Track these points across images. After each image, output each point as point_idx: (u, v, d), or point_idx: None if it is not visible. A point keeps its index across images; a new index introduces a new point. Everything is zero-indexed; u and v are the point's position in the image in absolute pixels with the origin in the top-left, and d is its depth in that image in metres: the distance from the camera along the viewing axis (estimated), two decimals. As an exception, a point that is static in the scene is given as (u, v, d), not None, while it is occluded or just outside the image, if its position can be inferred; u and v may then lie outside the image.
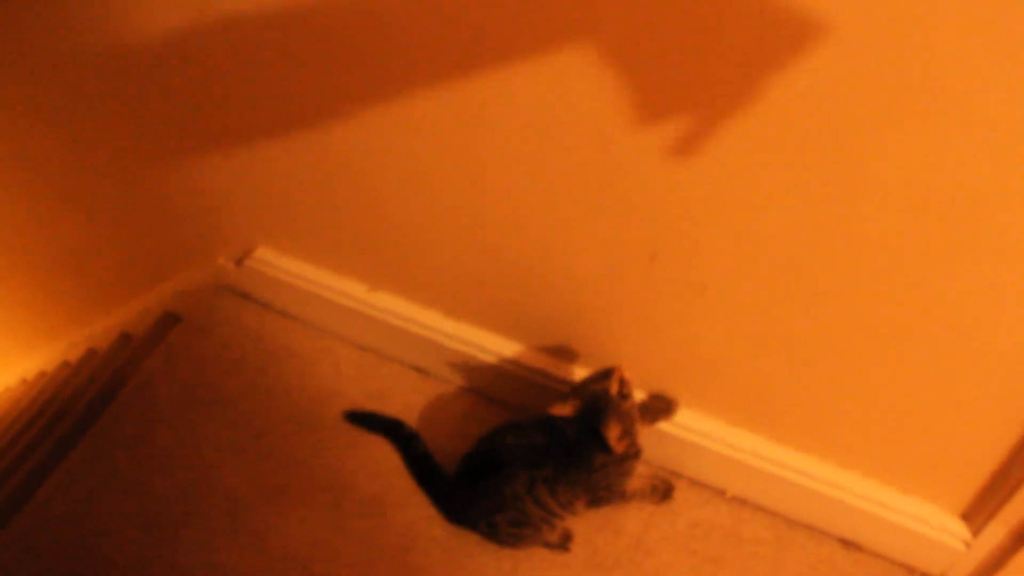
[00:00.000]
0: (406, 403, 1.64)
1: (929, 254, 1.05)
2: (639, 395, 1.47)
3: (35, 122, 1.81)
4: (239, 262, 1.73)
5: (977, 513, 1.36)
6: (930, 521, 1.38)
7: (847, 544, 1.49)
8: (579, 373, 1.51)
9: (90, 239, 2.16)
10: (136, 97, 1.53)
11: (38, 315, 2.95)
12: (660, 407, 1.46)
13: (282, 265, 1.67)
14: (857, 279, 1.12)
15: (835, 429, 1.38)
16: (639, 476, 1.47)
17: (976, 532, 1.36)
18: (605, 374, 1.34)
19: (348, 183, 1.44)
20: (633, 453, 1.35)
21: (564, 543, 1.46)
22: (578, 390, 1.34)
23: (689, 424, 1.47)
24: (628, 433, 1.31)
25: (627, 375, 1.33)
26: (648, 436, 1.41)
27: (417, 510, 1.50)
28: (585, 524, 1.48)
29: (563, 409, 1.33)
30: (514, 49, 1.08)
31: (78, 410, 1.87)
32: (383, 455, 1.57)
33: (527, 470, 1.36)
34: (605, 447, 1.29)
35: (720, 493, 1.54)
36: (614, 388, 1.32)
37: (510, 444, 1.43)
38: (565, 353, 1.51)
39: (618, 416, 1.29)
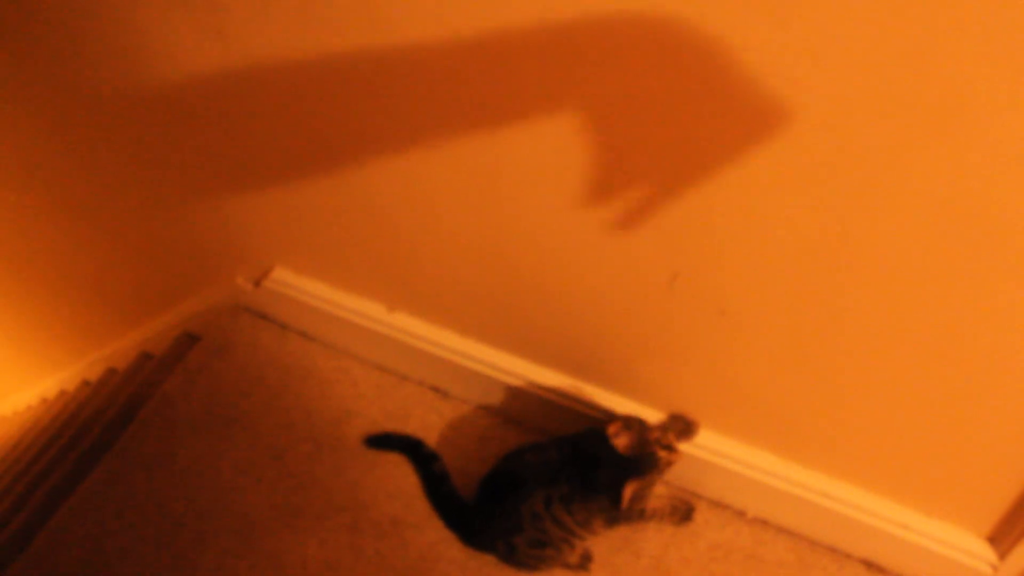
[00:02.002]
0: (424, 424, 1.64)
1: (953, 274, 1.04)
2: (660, 416, 1.47)
3: (58, 146, 1.83)
4: (257, 283, 1.73)
5: (1004, 536, 1.34)
6: (956, 544, 1.37)
7: (870, 566, 1.47)
8: (597, 394, 1.51)
9: (110, 259, 2.17)
10: (158, 124, 1.54)
11: (59, 335, 2.97)
12: (680, 428, 1.45)
13: (300, 286, 1.68)
14: (879, 300, 1.11)
15: (858, 450, 1.36)
16: (659, 496, 1.46)
17: (1003, 555, 1.34)
18: (666, 426, 1.37)
19: (365, 205, 1.44)
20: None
21: (584, 563, 1.45)
22: (638, 429, 1.33)
23: (709, 445, 1.46)
24: (640, 498, 1.33)
25: (696, 424, 1.40)
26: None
27: (435, 532, 1.49)
28: (605, 545, 1.47)
29: (620, 440, 1.31)
30: (526, 81, 1.09)
31: (97, 430, 1.87)
32: (402, 476, 1.56)
33: (544, 488, 1.36)
34: (615, 496, 1.30)
35: (741, 514, 1.53)
36: (663, 454, 1.31)
37: (528, 462, 1.43)
38: (584, 374, 1.51)
39: (649, 480, 1.31)
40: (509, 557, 1.44)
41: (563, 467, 1.36)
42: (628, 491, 1.29)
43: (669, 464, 1.31)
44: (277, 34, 1.23)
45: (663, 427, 1.39)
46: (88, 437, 1.89)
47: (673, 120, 1.04)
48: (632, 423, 1.32)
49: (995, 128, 0.88)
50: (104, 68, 1.47)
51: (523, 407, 1.58)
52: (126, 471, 1.59)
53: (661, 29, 0.95)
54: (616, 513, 1.37)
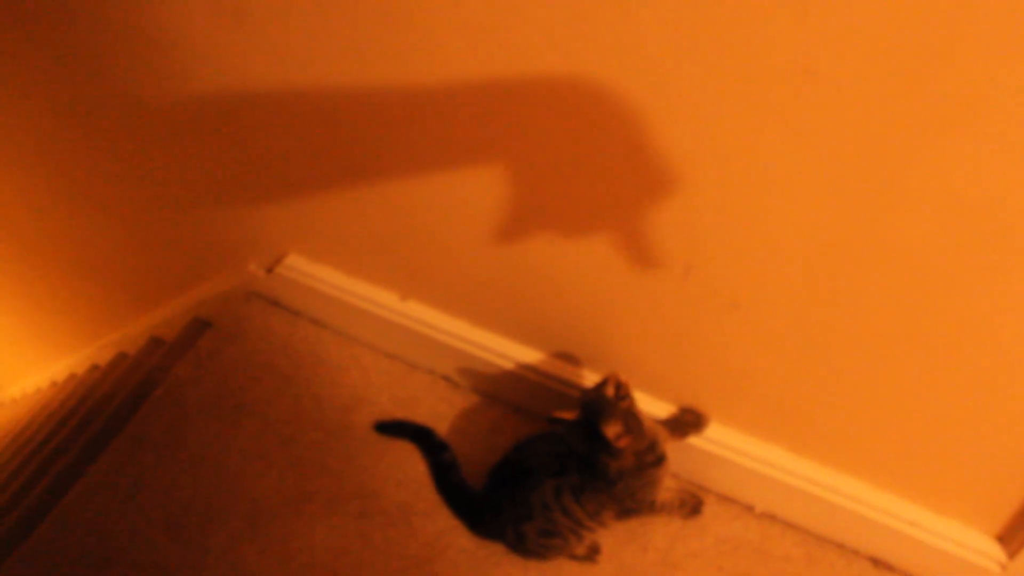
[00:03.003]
0: (434, 413, 1.64)
1: (970, 270, 1.03)
2: (670, 409, 1.46)
3: (80, 139, 1.83)
4: (270, 269, 1.73)
5: (1013, 535, 1.33)
6: (965, 542, 1.36)
7: (878, 563, 1.47)
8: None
9: (123, 244, 2.18)
10: (179, 119, 1.54)
11: (69, 318, 2.98)
12: (690, 421, 1.44)
13: (313, 273, 1.68)
14: (893, 294, 1.11)
15: (868, 446, 1.36)
16: (668, 489, 1.46)
17: (1012, 555, 1.34)
18: (603, 383, 1.32)
19: (379, 193, 1.44)
20: (653, 461, 1.33)
21: (591, 555, 1.46)
22: (579, 400, 1.33)
23: (719, 439, 1.46)
24: (630, 430, 1.27)
25: (623, 378, 1.31)
26: (677, 450, 1.40)
27: (444, 520, 1.50)
28: (612, 538, 1.47)
29: (565, 413, 1.31)
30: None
31: (107, 414, 1.88)
32: (411, 464, 1.56)
33: (554, 478, 1.36)
34: (609, 448, 1.27)
35: (749, 509, 1.53)
36: (610, 391, 1.29)
37: (539, 451, 1.43)
38: (596, 365, 1.51)
39: (616, 414, 1.27)
40: (518, 545, 1.44)
41: (573, 457, 1.36)
42: (611, 431, 1.25)
43: (623, 398, 1.29)
44: (299, 41, 1.24)
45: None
46: (98, 420, 1.90)
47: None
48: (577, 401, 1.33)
49: (1016, 123, 0.87)
50: (135, 74, 1.48)
51: (533, 397, 1.59)
52: (136, 455, 1.59)
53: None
54: (626, 505, 1.37)
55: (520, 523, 1.39)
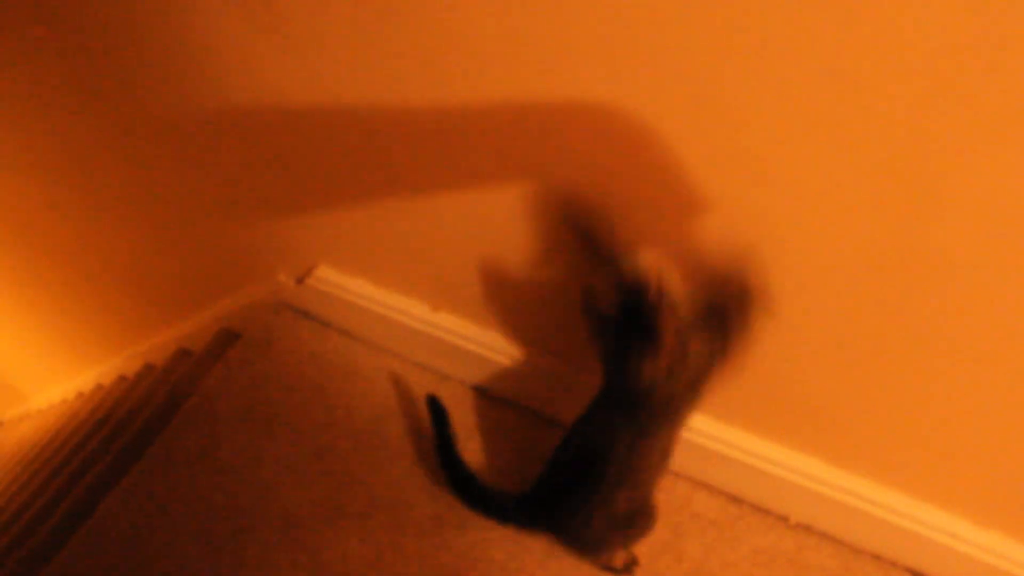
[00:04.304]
0: (464, 423, 1.64)
1: (1014, 279, 1.02)
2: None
3: (112, 147, 1.85)
4: (300, 280, 1.74)
5: (1055, 547, 1.32)
6: (1005, 554, 1.34)
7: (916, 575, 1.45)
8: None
9: (150, 253, 2.19)
10: (212, 131, 1.55)
11: (97, 328, 3.00)
12: (726, 306, 1.16)
13: (343, 284, 1.68)
14: (938, 302, 1.09)
15: (906, 456, 1.35)
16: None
17: (1054, 567, 1.32)
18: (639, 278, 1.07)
19: (411, 205, 1.44)
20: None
21: (629, 567, 1.45)
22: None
23: (753, 448, 1.45)
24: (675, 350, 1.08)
25: (666, 270, 1.07)
26: (712, 462, 1.39)
27: (477, 532, 1.49)
28: (646, 549, 1.47)
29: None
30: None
31: (138, 424, 1.89)
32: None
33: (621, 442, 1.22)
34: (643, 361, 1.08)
35: (784, 520, 1.51)
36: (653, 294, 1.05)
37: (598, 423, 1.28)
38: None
39: (662, 337, 1.06)
40: (576, 538, 1.37)
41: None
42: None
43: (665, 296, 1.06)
44: (332, 56, 1.24)
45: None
46: (129, 431, 1.91)
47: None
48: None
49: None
50: (167, 86, 1.49)
51: (564, 409, 1.58)
52: (168, 465, 1.60)
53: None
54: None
55: (591, 511, 1.28)
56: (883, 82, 0.90)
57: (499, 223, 1.36)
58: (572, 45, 1.03)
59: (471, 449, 1.60)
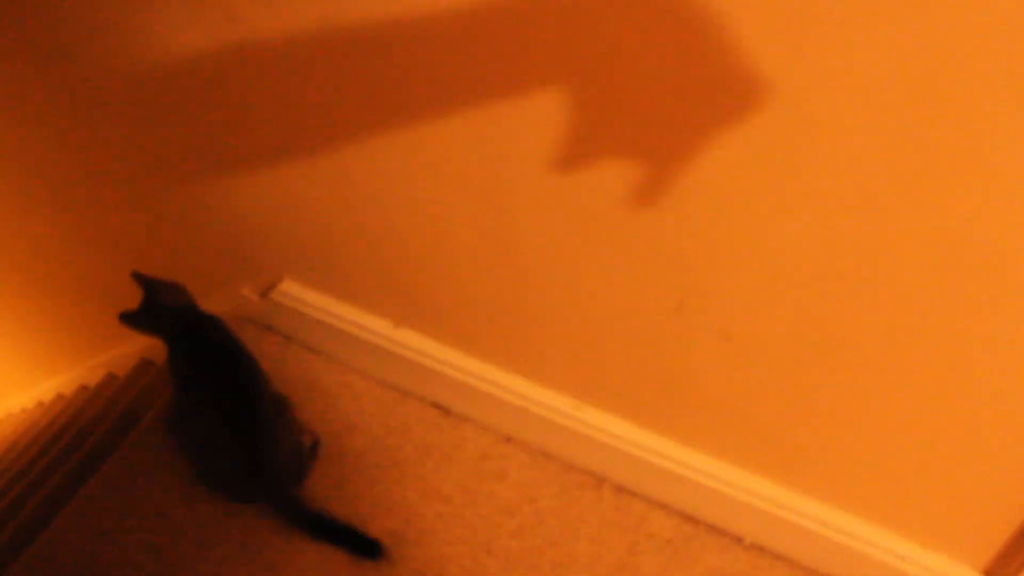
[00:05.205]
0: (424, 440, 1.65)
1: (960, 306, 1.04)
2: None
3: (62, 149, 1.84)
4: (264, 294, 1.74)
5: (1000, 570, 1.34)
6: (951, 576, 1.37)
7: (866, 597, 1.48)
8: (597, 415, 1.51)
9: (113, 264, 2.17)
10: (163, 122, 1.55)
11: (58, 338, 2.97)
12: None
13: (307, 299, 1.69)
14: (885, 329, 1.12)
15: (857, 480, 1.37)
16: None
17: (998, 589, 1.35)
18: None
19: (375, 219, 1.45)
20: None
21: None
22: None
23: (708, 469, 1.46)
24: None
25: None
26: (666, 481, 1.41)
27: (435, 548, 1.50)
28: (601, 569, 1.48)
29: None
30: (523, 91, 1.10)
31: (98, 435, 1.87)
32: (401, 492, 1.57)
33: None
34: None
35: (738, 540, 1.53)
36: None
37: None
38: (585, 395, 1.51)
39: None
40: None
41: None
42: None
43: None
44: (286, 19, 1.23)
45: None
46: (88, 441, 1.89)
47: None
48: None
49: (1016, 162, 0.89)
50: (109, 61, 1.48)
51: (524, 426, 1.59)
52: (127, 477, 1.59)
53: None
54: None
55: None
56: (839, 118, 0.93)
57: (459, 239, 1.38)
58: None
59: (429, 466, 1.61)
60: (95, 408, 2.23)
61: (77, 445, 2.03)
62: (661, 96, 1.01)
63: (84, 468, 1.73)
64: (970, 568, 1.38)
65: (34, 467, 2.15)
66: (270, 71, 1.31)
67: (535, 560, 1.49)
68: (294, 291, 1.70)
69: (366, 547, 1.47)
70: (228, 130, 1.48)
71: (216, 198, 1.63)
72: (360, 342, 1.65)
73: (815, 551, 1.46)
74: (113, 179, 1.85)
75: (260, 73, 1.33)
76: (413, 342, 1.61)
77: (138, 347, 2.31)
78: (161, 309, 1.52)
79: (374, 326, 1.64)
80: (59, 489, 1.74)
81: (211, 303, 1.88)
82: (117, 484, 1.58)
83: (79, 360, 2.84)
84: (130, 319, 1.52)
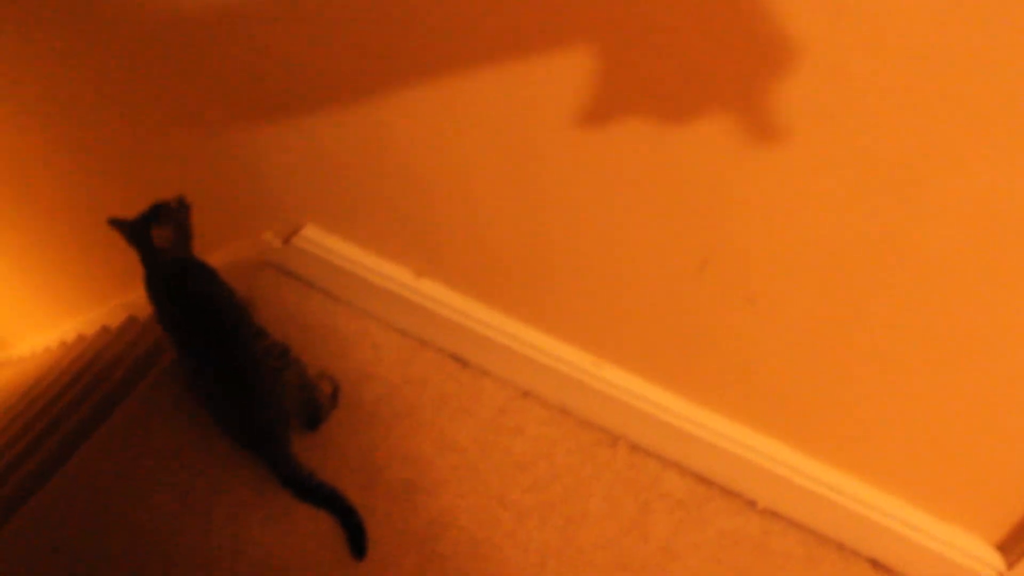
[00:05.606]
0: (441, 391, 1.65)
1: (989, 277, 1.03)
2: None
3: (87, 85, 1.83)
4: (286, 240, 1.74)
5: (1014, 544, 1.34)
6: (964, 549, 1.37)
7: (877, 566, 1.47)
8: (615, 373, 1.51)
9: (138, 206, 2.18)
10: (194, 71, 1.55)
11: (79, 279, 2.99)
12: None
13: (329, 245, 1.68)
14: (910, 297, 1.11)
15: (874, 448, 1.36)
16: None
17: (1011, 564, 1.34)
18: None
19: (400, 168, 1.44)
20: None
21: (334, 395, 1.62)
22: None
23: (724, 432, 1.46)
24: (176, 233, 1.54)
25: (187, 200, 1.55)
26: (678, 441, 1.41)
27: (448, 499, 1.50)
28: (613, 526, 1.48)
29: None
30: (555, 41, 1.08)
31: (118, 376, 1.89)
32: (417, 442, 1.57)
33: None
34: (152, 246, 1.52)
35: (752, 504, 1.53)
36: (173, 204, 1.54)
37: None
38: (604, 351, 1.51)
39: (168, 221, 1.53)
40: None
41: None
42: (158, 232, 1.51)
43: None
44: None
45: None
46: (108, 382, 1.91)
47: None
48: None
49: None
50: (143, 5, 1.48)
51: (542, 381, 1.59)
52: (145, 418, 1.61)
53: None
54: None
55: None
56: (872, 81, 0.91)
57: (485, 189, 1.37)
58: None
59: (445, 417, 1.61)
60: (115, 349, 2.25)
61: (97, 385, 2.05)
62: (692, 51, 1.00)
63: (104, 407, 1.74)
64: (983, 541, 1.38)
65: (55, 405, 2.17)
66: (299, 19, 1.30)
67: (547, 514, 1.50)
68: (317, 237, 1.70)
69: (352, 529, 1.45)
70: (255, 78, 1.47)
71: (242, 145, 1.63)
72: (381, 291, 1.65)
73: (828, 518, 1.46)
74: (142, 123, 1.84)
75: (289, 21, 1.31)
76: (434, 292, 1.61)
77: (159, 290, 2.32)
78: (149, 243, 1.56)
79: (395, 275, 1.64)
80: (79, 427, 1.76)
81: (233, 247, 1.89)
82: (136, 424, 1.60)
83: (101, 301, 2.86)
84: (119, 225, 1.57)
